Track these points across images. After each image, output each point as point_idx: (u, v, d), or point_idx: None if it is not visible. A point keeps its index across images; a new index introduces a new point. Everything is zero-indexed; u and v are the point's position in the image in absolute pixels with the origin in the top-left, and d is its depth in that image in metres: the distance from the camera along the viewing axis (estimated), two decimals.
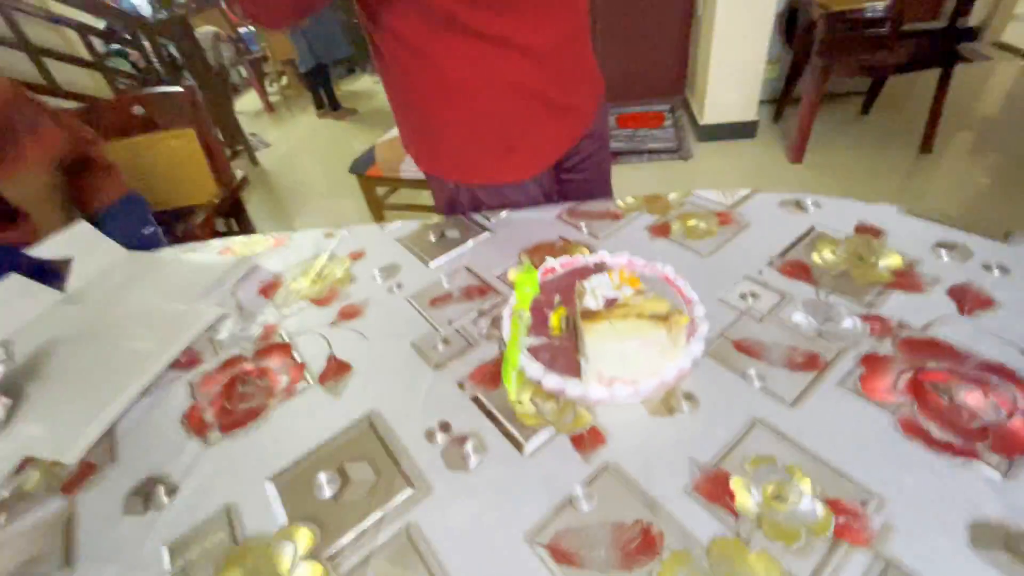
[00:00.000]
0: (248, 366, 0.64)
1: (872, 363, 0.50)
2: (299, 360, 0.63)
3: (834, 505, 0.40)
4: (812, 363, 0.51)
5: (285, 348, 0.66)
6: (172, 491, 0.51)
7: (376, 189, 2.04)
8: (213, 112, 2.53)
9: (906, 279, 0.59)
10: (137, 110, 1.36)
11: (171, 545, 0.46)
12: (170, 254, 0.92)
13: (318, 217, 2.80)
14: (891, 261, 0.61)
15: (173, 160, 1.38)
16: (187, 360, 0.67)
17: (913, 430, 0.44)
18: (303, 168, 3.48)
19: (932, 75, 2.21)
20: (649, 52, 3.12)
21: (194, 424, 0.58)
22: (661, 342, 0.49)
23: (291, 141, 3.96)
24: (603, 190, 1.01)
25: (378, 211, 2.09)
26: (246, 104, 5.20)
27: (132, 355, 0.68)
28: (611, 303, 0.53)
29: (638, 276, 0.64)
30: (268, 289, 0.77)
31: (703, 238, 0.71)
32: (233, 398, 0.60)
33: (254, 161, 3.54)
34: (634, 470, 0.45)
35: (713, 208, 0.76)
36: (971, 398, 0.45)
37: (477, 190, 0.86)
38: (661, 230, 0.74)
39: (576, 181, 0.95)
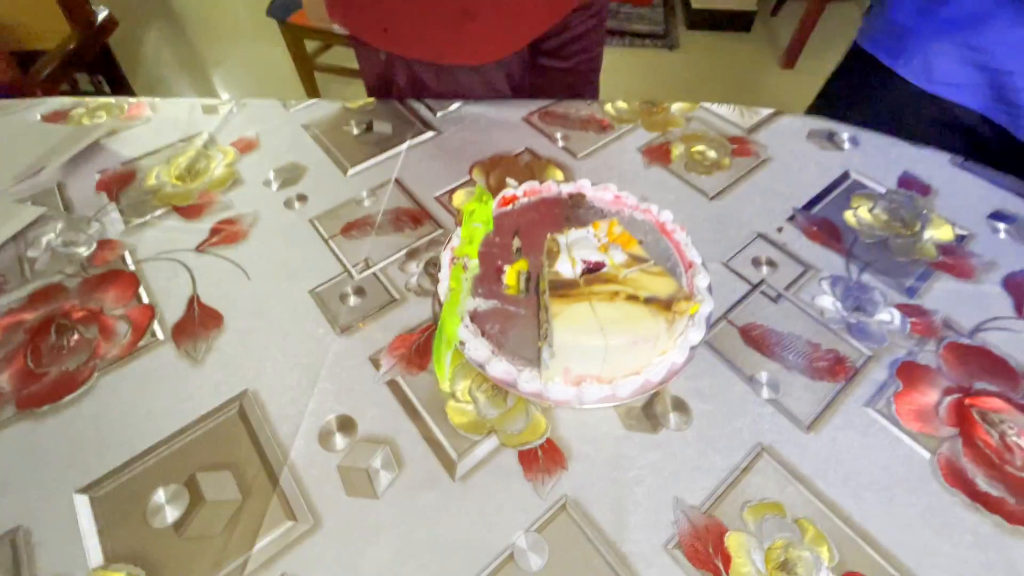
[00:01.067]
0: (71, 303, 0.45)
1: (911, 375, 0.39)
2: (147, 300, 0.45)
3: None
4: (837, 369, 0.40)
5: (129, 279, 0.46)
6: None
7: (305, 43, 1.65)
8: None
9: (955, 260, 0.46)
10: None
11: None
12: None
13: (242, 73, 2.30)
14: (939, 232, 0.48)
15: None
16: None
17: (956, 479, 0.34)
18: None
19: None
20: None
21: None
22: (658, 338, 0.35)
23: None
24: (589, 87, 0.78)
25: (307, 72, 1.72)
26: None
27: None
28: (593, 270, 0.38)
29: (626, 219, 0.48)
30: (112, 183, 0.55)
31: (711, 172, 0.54)
32: (43, 353, 0.42)
33: None
34: (601, 511, 0.33)
35: (726, 130, 0.59)
36: None
37: (418, 67, 0.63)
38: (659, 154, 0.56)
39: (556, 71, 0.72)
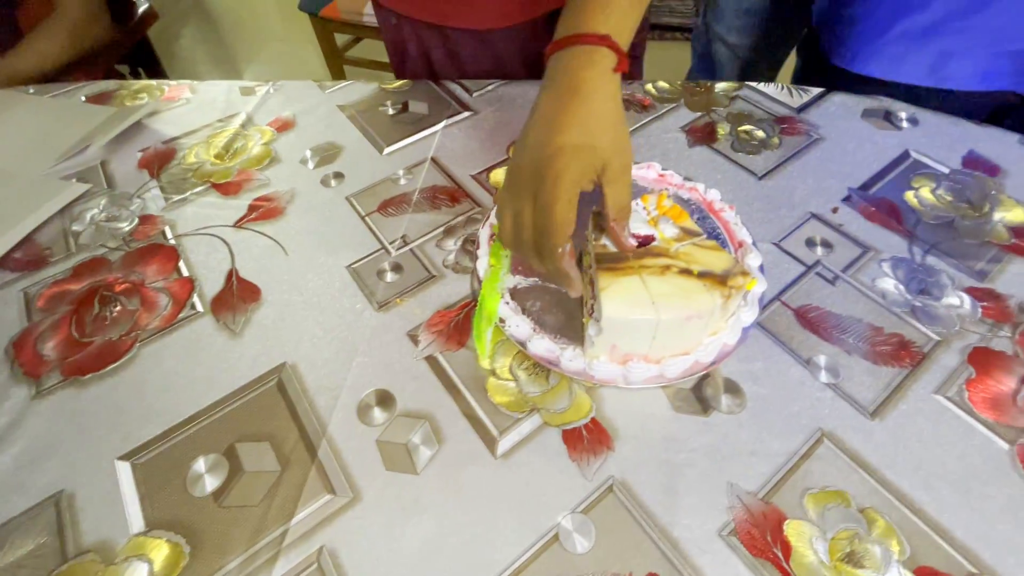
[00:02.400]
0: (113, 275, 0.45)
1: (984, 362, 0.36)
2: (187, 273, 0.45)
3: None
4: (902, 354, 0.37)
5: (169, 252, 0.47)
6: None
7: (335, 37, 1.67)
8: None
9: None
10: None
11: None
12: (24, 96, 0.66)
13: (273, 69, 2.34)
14: (1011, 214, 0.45)
15: None
16: (26, 258, 0.47)
17: None
18: None
19: None
20: None
21: (25, 359, 0.40)
22: (712, 315, 0.33)
23: None
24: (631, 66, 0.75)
25: (337, 66, 1.73)
26: None
27: None
28: (643, 244, 0.36)
29: (671, 198, 0.46)
30: (153, 161, 0.55)
31: (759, 152, 0.52)
32: (87, 323, 0.42)
33: None
34: (651, 494, 0.32)
35: (774, 110, 0.56)
36: None
37: (426, 35, 0.61)
38: (704, 134, 0.54)
39: None
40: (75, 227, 0.49)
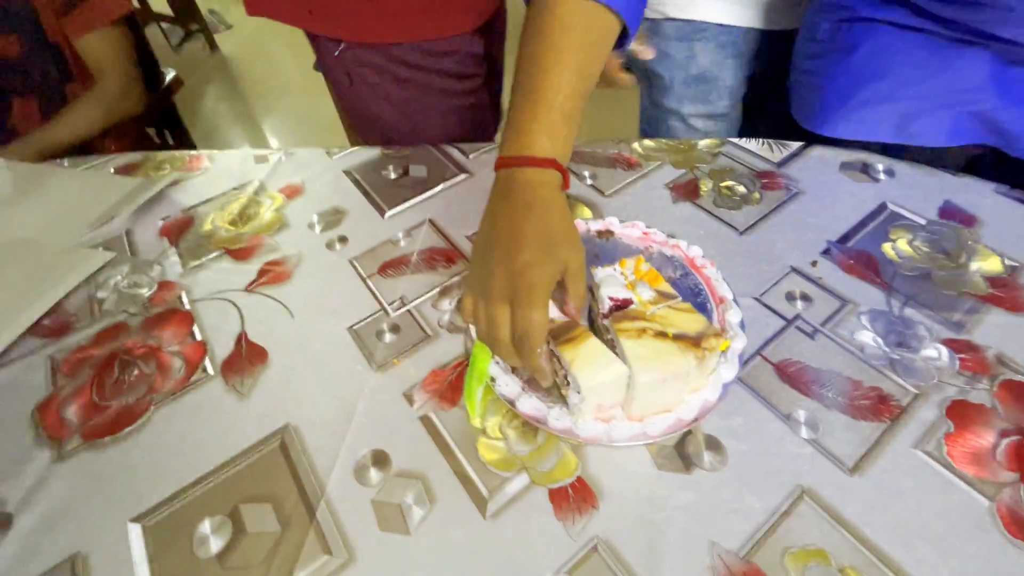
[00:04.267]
0: (133, 340, 0.48)
1: (962, 415, 0.37)
2: (200, 337, 0.48)
3: None
4: (881, 408, 0.38)
5: (184, 317, 0.50)
6: (2, 523, 0.37)
7: None
8: None
9: (1007, 292, 0.44)
10: None
11: None
12: (58, 169, 0.72)
13: (291, 122, 2.47)
14: (987, 264, 0.47)
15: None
16: (53, 325, 0.51)
17: (1019, 528, 0.32)
18: (273, 56, 3.04)
19: None
20: None
21: (49, 423, 0.43)
22: (687, 375, 0.35)
23: (259, 21, 3.45)
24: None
25: (349, 121, 1.82)
26: None
27: None
28: (620, 307, 0.38)
29: (654, 255, 0.49)
30: (173, 229, 0.60)
31: (741, 207, 0.54)
32: (106, 388, 0.45)
33: (212, 46, 3.08)
34: (633, 553, 0.33)
35: (755, 165, 0.59)
36: None
37: (352, 58, 0.72)
38: (687, 190, 0.57)
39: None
40: (100, 294, 0.53)
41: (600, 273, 0.40)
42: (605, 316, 0.38)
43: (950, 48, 0.47)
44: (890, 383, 0.39)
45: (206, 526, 0.36)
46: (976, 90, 0.47)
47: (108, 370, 0.46)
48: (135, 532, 0.36)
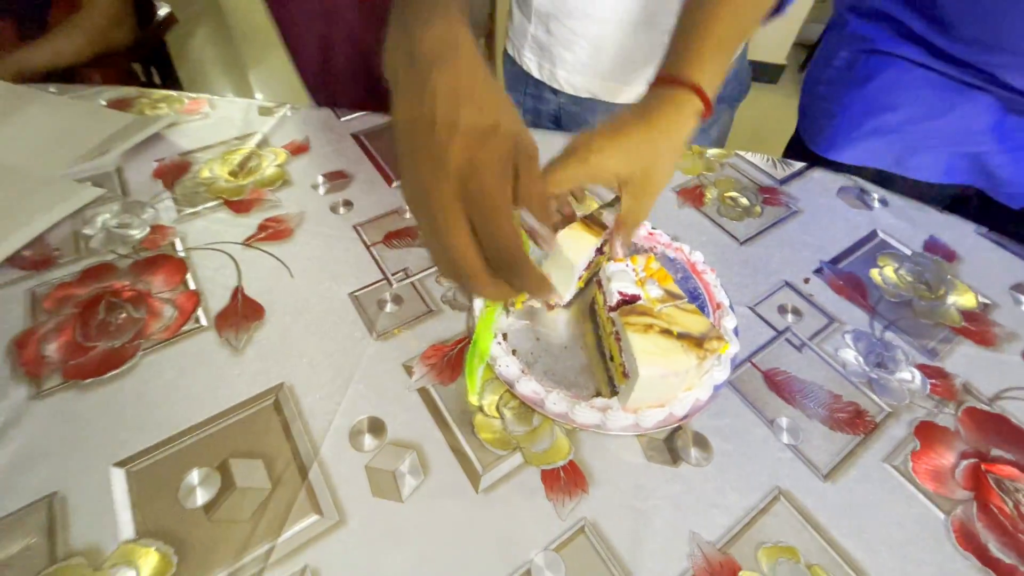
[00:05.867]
0: (121, 282, 0.47)
1: (929, 435, 0.40)
2: (193, 286, 0.47)
3: None
4: (857, 422, 0.40)
5: (177, 264, 0.48)
6: None
7: None
8: None
9: (978, 327, 0.47)
10: None
11: None
12: (43, 94, 0.68)
13: (277, 76, 2.38)
14: (963, 299, 0.50)
15: None
16: (36, 257, 0.48)
17: (969, 542, 0.35)
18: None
19: None
20: None
21: (27, 358, 0.41)
22: (687, 373, 0.36)
23: None
24: None
25: None
26: None
27: None
28: (629, 302, 0.39)
29: (657, 255, 0.50)
30: (168, 172, 0.57)
31: (742, 218, 0.56)
32: (91, 328, 0.43)
33: None
34: (619, 537, 0.34)
35: (759, 179, 0.61)
36: None
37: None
38: (693, 196, 0.58)
39: None
40: (86, 231, 0.51)
41: (612, 267, 0.41)
42: (612, 309, 0.39)
43: (959, 91, 0.49)
44: (867, 399, 0.42)
45: (193, 477, 0.35)
46: (977, 133, 0.50)
47: (93, 310, 0.44)
48: (118, 477, 0.35)
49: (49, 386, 0.40)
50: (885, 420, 0.41)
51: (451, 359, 0.43)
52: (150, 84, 1.21)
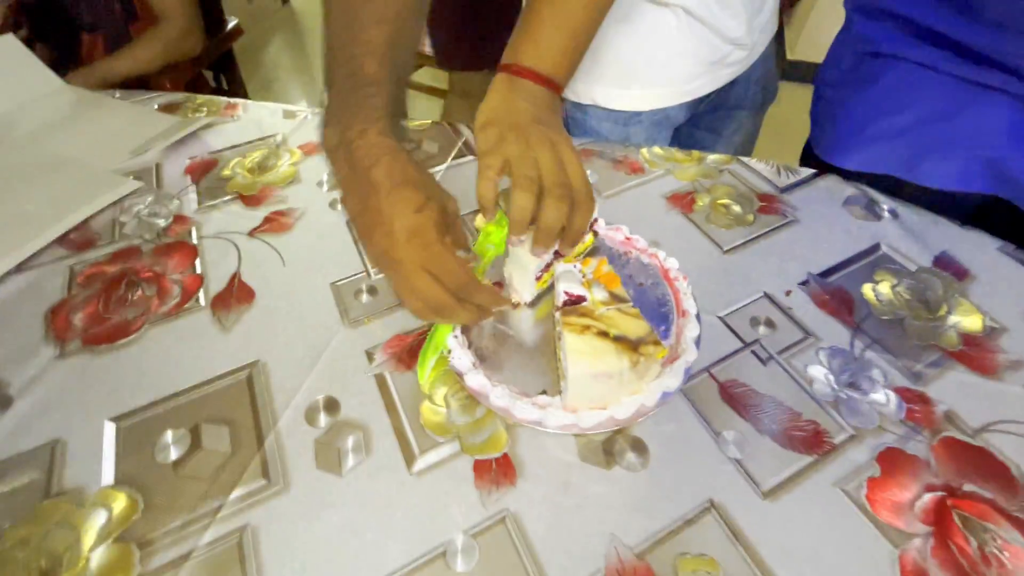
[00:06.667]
0: (142, 264, 0.53)
1: (893, 463, 0.37)
2: (199, 271, 0.52)
3: None
4: (812, 441, 0.39)
5: (190, 251, 0.54)
6: (4, 404, 0.42)
7: None
8: None
9: (978, 352, 0.43)
10: None
11: None
12: (110, 99, 0.78)
13: None
14: (967, 321, 0.46)
15: None
16: (79, 239, 0.56)
17: None
18: None
19: None
20: None
21: (58, 324, 0.48)
22: (621, 376, 0.37)
23: None
24: None
25: None
26: None
27: (17, 218, 0.57)
28: (574, 303, 0.40)
29: (631, 260, 0.50)
30: (198, 169, 0.64)
31: (731, 227, 0.55)
32: (112, 302, 0.50)
33: None
34: (537, 532, 0.35)
35: (758, 187, 0.59)
36: (1013, 555, 0.33)
37: None
38: (683, 202, 0.57)
39: None
40: (123, 218, 0.58)
41: (560, 268, 0.42)
42: (558, 309, 0.40)
43: (970, 91, 0.45)
44: (829, 420, 0.40)
45: (168, 436, 0.40)
46: (990, 135, 0.46)
47: (116, 287, 0.51)
48: (110, 430, 0.41)
49: (70, 349, 0.46)
50: (846, 443, 0.38)
51: (411, 349, 0.45)
52: (218, 91, 1.34)
